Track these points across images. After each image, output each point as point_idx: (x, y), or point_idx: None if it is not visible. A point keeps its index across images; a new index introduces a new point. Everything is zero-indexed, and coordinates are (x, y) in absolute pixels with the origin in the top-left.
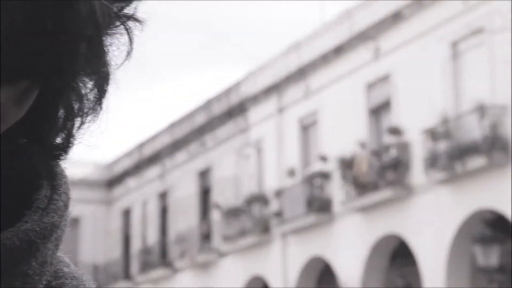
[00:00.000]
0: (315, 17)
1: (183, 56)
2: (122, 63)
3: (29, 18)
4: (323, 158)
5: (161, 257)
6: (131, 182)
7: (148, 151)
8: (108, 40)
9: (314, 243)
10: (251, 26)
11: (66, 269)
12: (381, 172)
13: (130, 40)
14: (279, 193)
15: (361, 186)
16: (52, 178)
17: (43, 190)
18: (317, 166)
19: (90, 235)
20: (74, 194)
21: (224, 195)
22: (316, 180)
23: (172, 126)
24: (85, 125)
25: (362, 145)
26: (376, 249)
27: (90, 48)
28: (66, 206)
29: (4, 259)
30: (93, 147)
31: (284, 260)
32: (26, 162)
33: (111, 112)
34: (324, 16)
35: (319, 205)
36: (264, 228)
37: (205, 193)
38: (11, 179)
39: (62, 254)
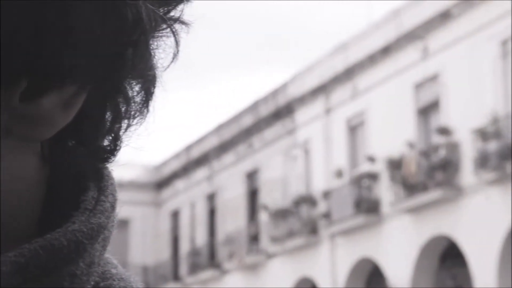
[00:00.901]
0: (362, 17)
1: (232, 58)
2: (169, 66)
3: (76, 24)
4: (371, 159)
5: (209, 258)
6: (179, 184)
7: (196, 153)
8: (154, 43)
9: (363, 244)
10: (298, 27)
11: (113, 271)
12: (430, 173)
13: (177, 42)
14: (327, 194)
15: (410, 187)
16: (99, 180)
17: (90, 192)
18: (365, 167)
19: (140, 237)
20: (124, 196)
21: (272, 196)
22: (364, 181)
23: (220, 127)
24: (132, 128)
25: (411, 145)
26: (426, 250)
27: (137, 53)
28: (113, 207)
29: (52, 259)
30: (140, 149)
31: (332, 261)
32: (74, 163)
33: (158, 114)
34: (371, 16)
35: (368, 206)
36: (312, 229)
37: (252, 195)
38: (58, 180)
39: (111, 255)
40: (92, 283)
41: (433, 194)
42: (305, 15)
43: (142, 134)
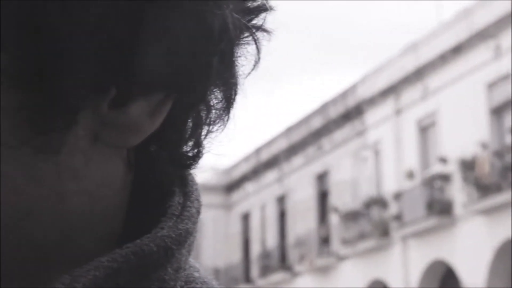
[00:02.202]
0: (432, 17)
1: (300, 60)
2: (250, 73)
3: (165, 33)
4: (443, 160)
5: (280, 260)
6: (249, 186)
7: (265, 155)
8: (237, 51)
9: (436, 246)
10: (367, 28)
11: (196, 274)
12: (504, 174)
13: (258, 50)
14: (398, 196)
15: (483, 188)
16: (184, 185)
17: (176, 197)
18: (437, 168)
19: (211, 239)
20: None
21: (342, 198)
22: (436, 182)
23: (289, 130)
24: (212, 134)
25: (484, 145)
26: (501, 252)
27: (223, 62)
28: (198, 212)
29: (142, 264)
30: (221, 156)
31: (404, 263)
32: (158, 169)
33: (236, 120)
34: (441, 15)
35: (440, 208)
36: (383, 231)
37: (323, 197)
38: (142, 185)
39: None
40: (178, 287)
41: (507, 195)
42: (374, 16)
43: (221, 140)
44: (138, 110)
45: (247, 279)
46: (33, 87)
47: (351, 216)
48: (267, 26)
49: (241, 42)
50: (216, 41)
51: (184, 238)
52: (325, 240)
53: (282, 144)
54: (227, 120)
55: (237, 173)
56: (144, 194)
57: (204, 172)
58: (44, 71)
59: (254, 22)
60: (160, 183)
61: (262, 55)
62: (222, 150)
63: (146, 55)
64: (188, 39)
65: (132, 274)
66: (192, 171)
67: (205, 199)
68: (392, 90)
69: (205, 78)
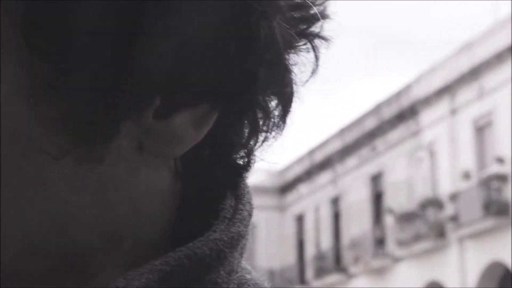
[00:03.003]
0: (487, 15)
1: (355, 61)
2: (307, 81)
3: (210, 44)
4: (500, 160)
5: (335, 262)
6: (303, 188)
7: (319, 157)
8: (293, 59)
9: (493, 248)
10: (422, 28)
11: (248, 276)
12: None
13: (316, 57)
14: (454, 197)
15: None
16: (236, 188)
17: (228, 200)
18: (493, 168)
19: (265, 241)
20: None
21: (397, 200)
22: (493, 183)
23: (343, 131)
24: (269, 141)
25: None
26: None
27: (270, 72)
28: (250, 215)
29: (195, 267)
30: (275, 163)
31: (461, 265)
32: (209, 172)
33: (290, 123)
34: (497, 13)
35: (497, 209)
36: (439, 232)
37: (377, 198)
38: (195, 189)
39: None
40: None
41: None
42: (428, 15)
43: (277, 147)
44: (183, 121)
45: (302, 280)
46: (76, 97)
47: (406, 217)
48: (325, 33)
49: (297, 50)
50: (262, 52)
51: (236, 241)
52: (380, 242)
53: (336, 145)
54: (284, 128)
55: (290, 175)
56: (195, 197)
57: (258, 173)
58: (87, 81)
59: (311, 29)
60: (212, 186)
61: (320, 61)
62: (276, 157)
63: (191, 66)
64: (233, 50)
65: (185, 277)
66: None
67: (259, 200)
68: (447, 90)
69: (250, 89)
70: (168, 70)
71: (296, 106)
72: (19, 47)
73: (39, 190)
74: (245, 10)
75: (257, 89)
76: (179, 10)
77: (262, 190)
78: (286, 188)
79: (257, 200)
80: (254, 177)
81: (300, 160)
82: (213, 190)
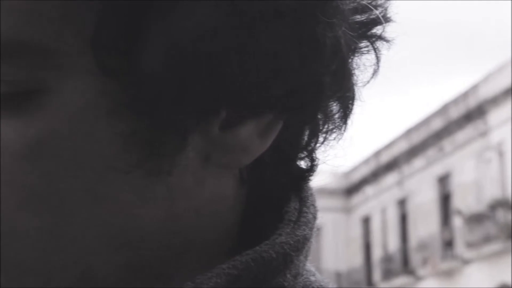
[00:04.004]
0: None
1: (421, 61)
2: (368, 82)
3: (275, 55)
4: None
5: (402, 264)
6: (369, 189)
7: (385, 158)
8: (354, 63)
9: None
10: (489, 27)
11: (312, 278)
12: None
13: (377, 59)
14: None
15: None
16: (299, 191)
17: (292, 203)
18: None
19: (331, 243)
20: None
21: (466, 201)
22: None
23: (409, 132)
24: (330, 143)
25: None
26: None
27: (335, 81)
28: (314, 218)
29: (262, 271)
30: (338, 167)
31: None
32: (272, 176)
33: (355, 123)
34: None
35: None
36: (510, 234)
37: (445, 199)
38: (259, 193)
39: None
40: None
41: None
42: (497, 14)
43: (338, 150)
44: (248, 132)
45: (369, 283)
46: (145, 114)
47: (475, 219)
48: (387, 35)
49: (359, 52)
50: (328, 62)
51: (302, 244)
52: (448, 244)
53: (402, 146)
54: (344, 130)
55: (356, 176)
56: (260, 200)
57: (323, 175)
58: (156, 97)
59: (373, 31)
60: (276, 190)
61: (382, 62)
62: (341, 159)
63: (256, 77)
64: (299, 61)
65: (252, 280)
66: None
67: (325, 202)
68: None
69: (315, 99)
70: (234, 83)
71: (361, 107)
72: (89, 64)
73: (109, 205)
74: (311, 21)
75: (321, 98)
76: (245, 24)
77: (328, 192)
78: (352, 189)
79: (323, 202)
80: (320, 179)
81: (366, 161)
82: (277, 193)
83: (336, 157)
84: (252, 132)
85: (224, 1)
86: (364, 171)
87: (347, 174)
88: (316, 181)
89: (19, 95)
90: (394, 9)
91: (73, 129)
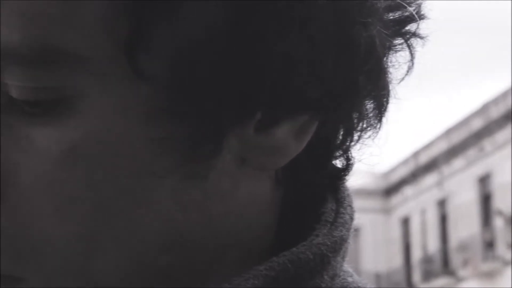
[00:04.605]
0: None
1: (460, 61)
2: (403, 79)
3: (310, 56)
4: None
5: (443, 265)
6: (408, 190)
7: (424, 158)
8: (388, 60)
9: None
10: None
11: (350, 279)
12: None
13: (412, 56)
14: None
15: None
16: (336, 191)
17: (329, 204)
18: None
19: (371, 244)
20: (354, 203)
21: (506, 201)
22: None
23: (448, 132)
24: (364, 142)
25: None
26: None
27: (369, 80)
28: (351, 219)
29: (299, 272)
30: (373, 165)
31: None
32: (308, 176)
33: (393, 123)
34: None
35: None
36: None
37: (485, 200)
38: (295, 194)
39: (345, 263)
40: None
41: None
42: None
43: (373, 148)
44: (284, 133)
45: (409, 284)
46: (180, 117)
47: None
48: (421, 32)
49: (393, 50)
50: (363, 62)
51: (339, 246)
52: (489, 244)
53: (442, 146)
54: (379, 128)
55: (395, 177)
56: (296, 201)
57: (362, 176)
58: (192, 101)
59: (407, 28)
60: (311, 190)
61: (416, 60)
62: (375, 158)
63: (292, 80)
64: (334, 62)
65: (289, 282)
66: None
67: (364, 203)
68: None
69: (350, 98)
70: (269, 84)
71: (400, 107)
72: (124, 69)
73: (147, 210)
74: (346, 22)
75: (357, 97)
76: (281, 28)
77: (367, 192)
78: (391, 190)
79: (361, 203)
80: (358, 180)
81: (405, 161)
82: (313, 194)
83: (372, 156)
84: (288, 133)
85: (260, 5)
86: (403, 171)
87: (386, 174)
88: (354, 182)
89: (54, 102)
90: (428, 7)
91: (109, 135)
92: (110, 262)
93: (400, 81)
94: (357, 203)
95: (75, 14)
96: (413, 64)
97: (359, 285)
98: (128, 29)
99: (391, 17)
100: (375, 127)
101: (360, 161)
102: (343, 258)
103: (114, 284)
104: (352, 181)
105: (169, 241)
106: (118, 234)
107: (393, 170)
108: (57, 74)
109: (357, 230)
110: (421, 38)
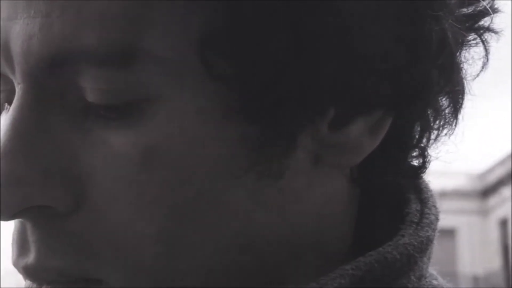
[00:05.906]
0: None
1: None
2: (478, 75)
3: (383, 52)
4: None
5: None
6: (506, 191)
7: None
8: (462, 56)
9: None
10: None
11: (435, 282)
12: None
13: (486, 51)
14: None
15: None
16: (419, 192)
17: (413, 204)
18: None
19: (467, 246)
20: (448, 205)
21: None
22: None
23: None
24: (440, 139)
25: None
26: None
27: (443, 76)
28: (437, 219)
29: (386, 272)
30: (449, 162)
31: None
32: (383, 175)
33: (486, 126)
34: None
35: None
36: None
37: None
38: (373, 194)
39: (437, 265)
40: None
41: None
42: None
43: (451, 145)
44: (358, 130)
45: (509, 286)
46: (254, 117)
47: None
48: (495, 26)
49: (467, 45)
50: (435, 56)
51: (425, 246)
52: None
53: None
54: (455, 125)
55: (492, 178)
56: (373, 200)
57: (457, 177)
58: (266, 101)
59: (480, 23)
60: (392, 191)
61: (491, 56)
62: (452, 156)
63: (364, 75)
64: (407, 58)
65: (376, 281)
66: (441, 177)
67: (460, 205)
68: None
69: (424, 94)
70: (342, 81)
71: (495, 104)
72: (199, 70)
73: (224, 210)
74: (418, 16)
75: (430, 92)
76: (353, 26)
77: (463, 194)
78: (487, 191)
79: (457, 205)
80: (454, 181)
81: (502, 162)
82: (392, 193)
83: (468, 159)
84: (362, 130)
85: (332, 5)
86: (500, 172)
87: (482, 175)
88: (449, 183)
89: (130, 105)
90: (502, 0)
91: (185, 136)
92: (192, 262)
93: (476, 77)
94: (453, 205)
95: (153, 14)
96: (488, 60)
97: (444, 287)
98: (202, 30)
99: (464, 12)
100: (451, 125)
101: (436, 158)
102: (429, 259)
103: (195, 284)
104: (447, 182)
105: (248, 241)
106: (198, 235)
107: (490, 170)
108: (135, 76)
109: (453, 232)
110: (495, 32)
